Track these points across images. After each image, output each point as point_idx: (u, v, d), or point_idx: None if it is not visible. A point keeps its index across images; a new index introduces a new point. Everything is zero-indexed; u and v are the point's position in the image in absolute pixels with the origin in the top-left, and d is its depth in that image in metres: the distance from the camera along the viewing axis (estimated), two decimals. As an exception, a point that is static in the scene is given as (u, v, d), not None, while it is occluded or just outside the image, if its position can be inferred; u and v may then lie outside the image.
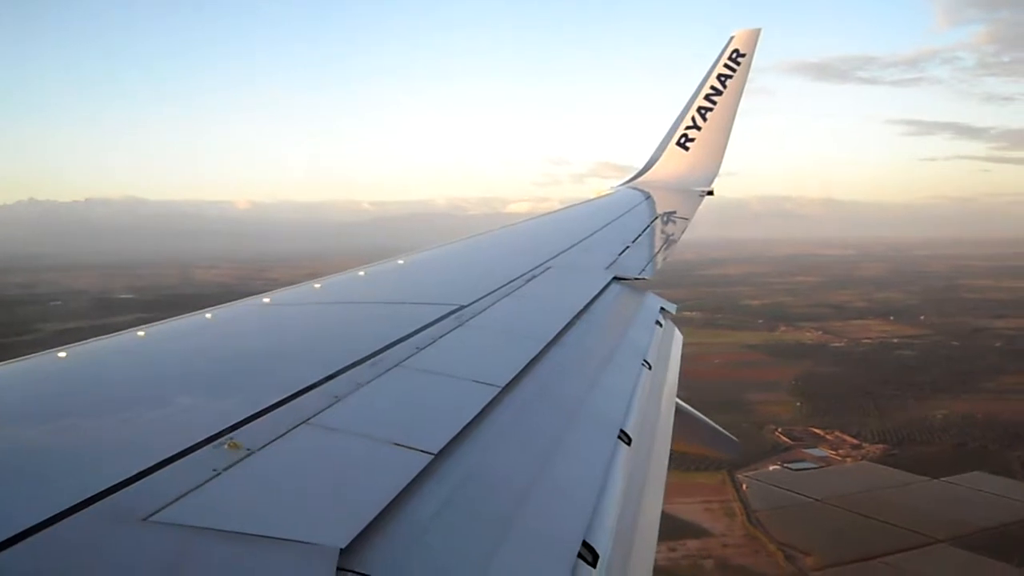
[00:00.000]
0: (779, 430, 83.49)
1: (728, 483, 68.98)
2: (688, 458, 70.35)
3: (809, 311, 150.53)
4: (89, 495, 2.25)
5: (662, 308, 7.39)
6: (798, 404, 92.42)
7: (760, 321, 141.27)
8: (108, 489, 2.31)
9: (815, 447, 79.32)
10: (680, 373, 6.28)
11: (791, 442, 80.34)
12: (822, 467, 74.22)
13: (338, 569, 2.06)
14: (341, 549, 2.12)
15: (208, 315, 5.24)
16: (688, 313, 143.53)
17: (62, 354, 4.08)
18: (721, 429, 8.39)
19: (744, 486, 68.66)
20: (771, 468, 73.35)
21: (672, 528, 58.35)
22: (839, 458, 76.89)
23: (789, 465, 73.84)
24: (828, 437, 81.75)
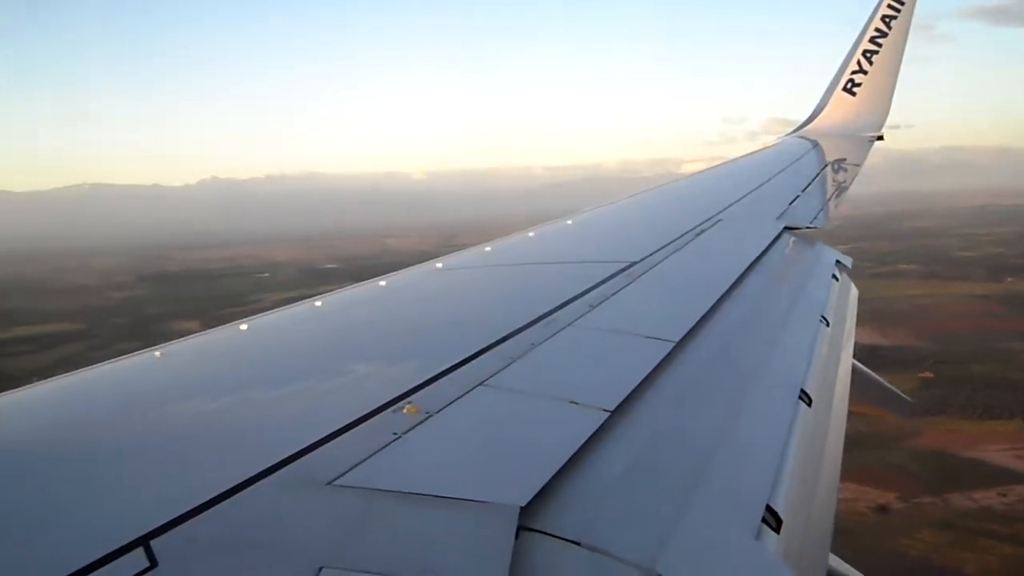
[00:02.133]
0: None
1: (1026, 429, 67.00)
2: (976, 406, 69.77)
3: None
4: (275, 462, 2.36)
5: (838, 261, 7.09)
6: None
7: (981, 271, 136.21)
8: (293, 455, 2.42)
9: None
10: (856, 329, 6.09)
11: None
12: None
13: (519, 528, 2.09)
14: (521, 507, 2.15)
15: (382, 282, 5.35)
16: (904, 266, 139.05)
17: (243, 327, 4.25)
18: (894, 388, 8.27)
19: (1051, 433, 66.07)
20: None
21: (993, 474, 57.40)
22: None
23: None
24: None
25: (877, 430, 63.06)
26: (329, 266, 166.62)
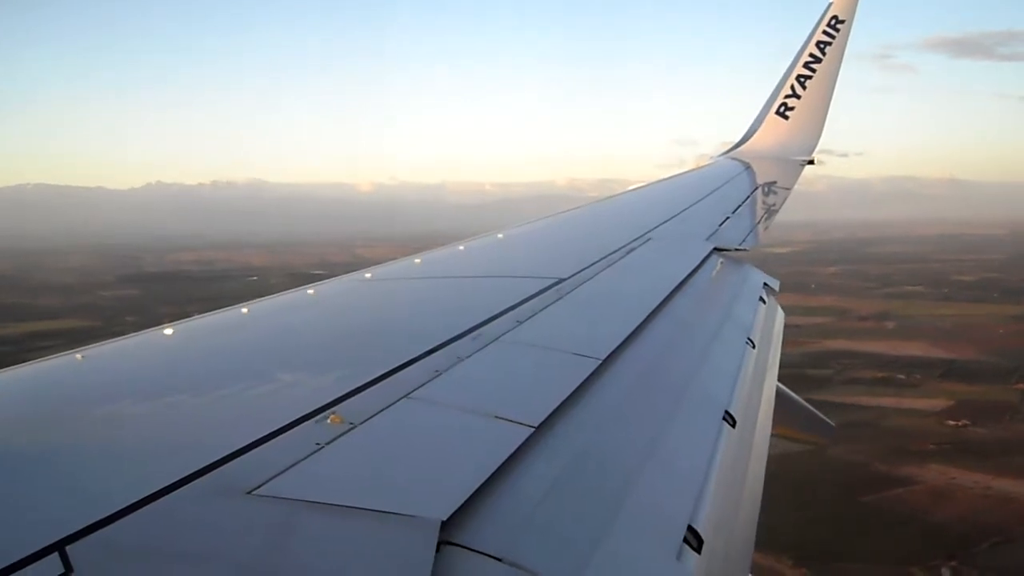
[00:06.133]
0: None
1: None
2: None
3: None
4: (195, 469, 2.32)
5: (765, 283, 7.10)
6: None
7: (995, 295, 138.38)
8: (214, 463, 2.37)
9: None
10: (782, 352, 6.11)
11: None
12: None
13: (440, 542, 2.08)
14: (442, 521, 2.13)
15: (310, 291, 5.37)
16: (911, 287, 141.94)
17: (168, 331, 4.20)
18: (818, 413, 8.41)
19: None
20: None
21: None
22: None
23: None
24: None
25: (1006, 438, 63.25)
26: (316, 272, 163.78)
